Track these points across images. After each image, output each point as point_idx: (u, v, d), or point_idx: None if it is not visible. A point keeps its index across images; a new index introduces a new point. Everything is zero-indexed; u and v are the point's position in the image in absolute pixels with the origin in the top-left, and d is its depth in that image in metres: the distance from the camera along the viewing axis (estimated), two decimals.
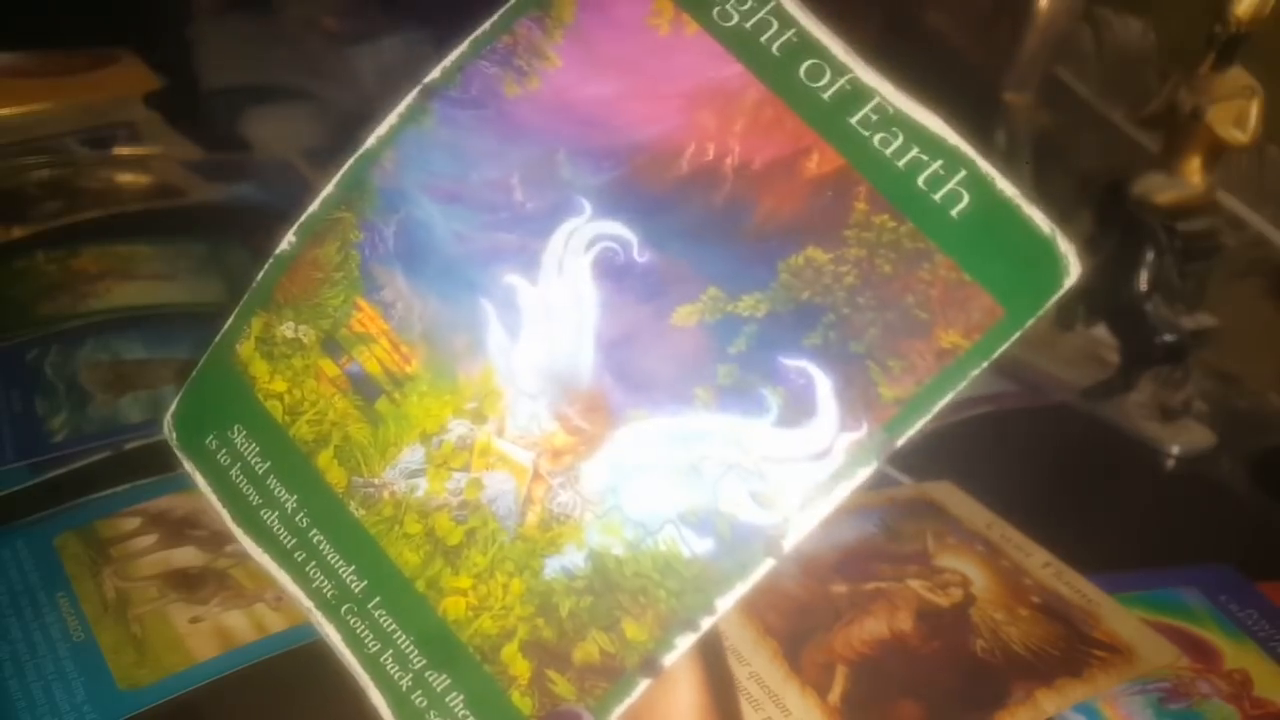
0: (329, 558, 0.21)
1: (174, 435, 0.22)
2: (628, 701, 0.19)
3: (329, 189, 0.22)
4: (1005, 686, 0.35)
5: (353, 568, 0.21)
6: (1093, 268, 0.53)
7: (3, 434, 0.45)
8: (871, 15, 0.72)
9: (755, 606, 0.36)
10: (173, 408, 0.23)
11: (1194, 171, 0.50)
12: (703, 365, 0.19)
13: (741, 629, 0.36)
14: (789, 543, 0.18)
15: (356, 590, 0.20)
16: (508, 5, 0.21)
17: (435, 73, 0.21)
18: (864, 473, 0.18)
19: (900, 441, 0.18)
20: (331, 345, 0.21)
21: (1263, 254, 0.56)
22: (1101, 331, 0.54)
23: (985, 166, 0.18)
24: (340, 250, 0.22)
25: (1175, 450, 0.51)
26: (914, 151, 0.18)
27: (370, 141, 0.22)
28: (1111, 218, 0.52)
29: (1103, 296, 0.53)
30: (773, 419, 0.18)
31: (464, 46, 0.21)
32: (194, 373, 0.23)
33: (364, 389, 0.21)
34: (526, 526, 0.20)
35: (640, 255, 0.19)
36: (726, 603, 0.18)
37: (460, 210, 0.21)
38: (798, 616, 0.36)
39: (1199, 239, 0.50)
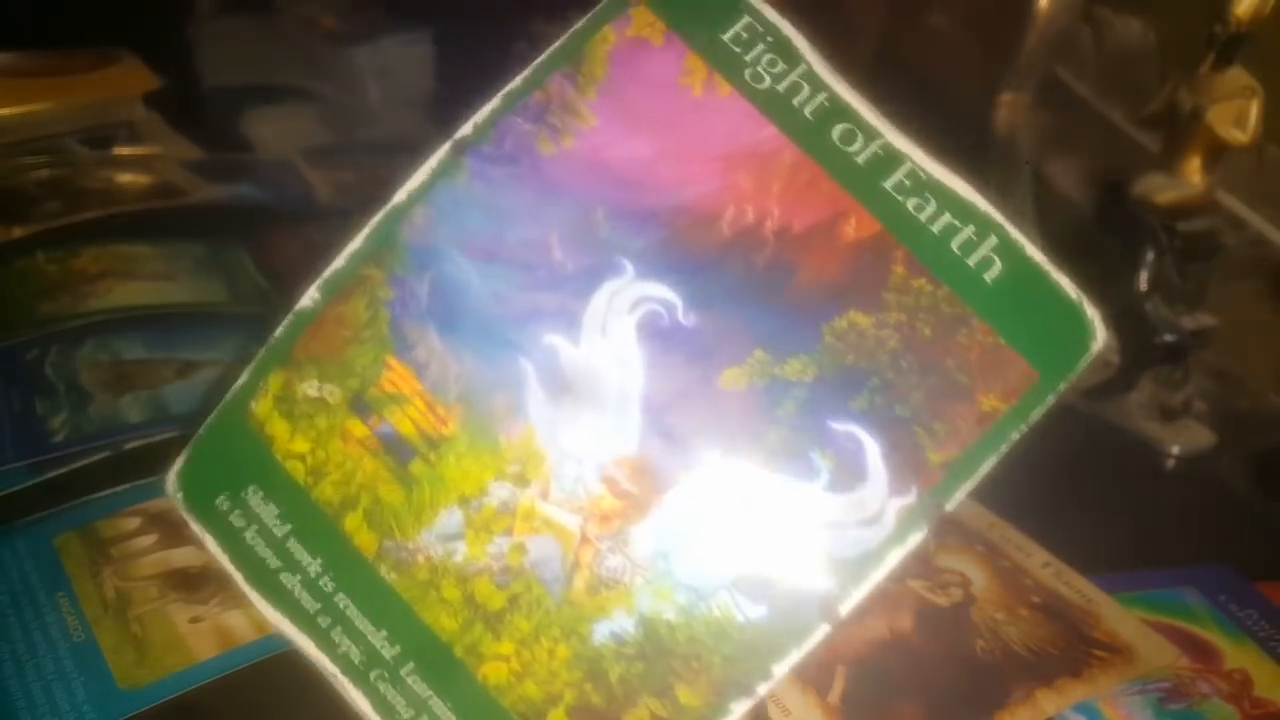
0: (357, 623, 0.20)
1: (180, 495, 0.22)
2: None
3: (356, 244, 0.21)
4: (1005, 686, 0.35)
5: (384, 633, 0.20)
6: (1093, 268, 0.54)
7: (3, 434, 0.45)
8: (872, 14, 0.72)
9: None
10: (178, 465, 0.22)
11: (1194, 171, 0.50)
12: (752, 429, 0.19)
13: None
14: (845, 609, 0.19)
15: (388, 656, 0.20)
16: (539, 60, 0.21)
17: (467, 128, 0.21)
18: (915, 538, 0.18)
19: (949, 506, 0.18)
20: (360, 405, 0.21)
21: (1263, 254, 0.56)
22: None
23: (1015, 233, 0.18)
24: (369, 308, 0.21)
25: (1175, 450, 0.51)
26: (947, 217, 0.18)
27: (400, 196, 0.21)
28: (1111, 218, 0.52)
29: (1102, 296, 0.53)
30: (823, 483, 0.18)
31: (496, 101, 0.21)
32: (202, 430, 0.22)
33: (396, 450, 0.21)
34: (574, 591, 0.19)
35: (685, 318, 0.19)
36: (782, 669, 0.19)
37: (497, 269, 0.20)
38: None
39: (1199, 239, 0.51)
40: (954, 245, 0.18)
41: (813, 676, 0.34)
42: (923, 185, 0.18)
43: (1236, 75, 0.49)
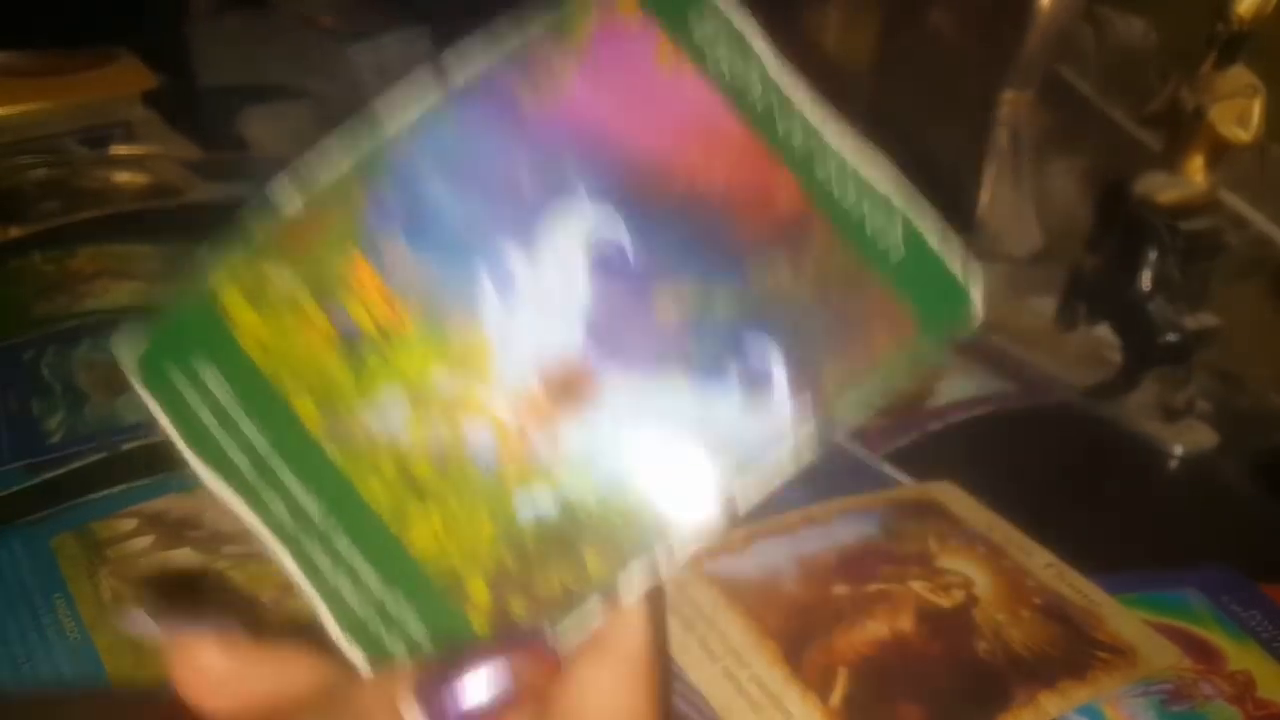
0: (292, 489, 0.22)
1: (134, 364, 0.23)
2: (584, 623, 0.21)
3: (344, 160, 0.23)
4: (1007, 688, 0.35)
5: (318, 500, 0.22)
6: (1095, 267, 0.53)
7: None
8: (873, 14, 0.72)
9: (756, 608, 0.36)
10: (134, 330, 0.23)
11: (1196, 170, 0.50)
12: (678, 346, 0.22)
13: (742, 631, 0.35)
14: (743, 508, 0.21)
15: (318, 521, 0.22)
16: (533, 28, 0.23)
17: (459, 75, 0.23)
18: (810, 454, 0.21)
19: (838, 431, 0.22)
20: (323, 297, 0.23)
21: (1265, 253, 0.56)
22: (1104, 331, 0.54)
23: (919, 222, 0.22)
24: (345, 215, 0.23)
25: (1178, 450, 0.51)
26: (865, 204, 0.22)
27: (389, 125, 0.23)
28: (1114, 217, 0.52)
29: (1105, 296, 0.53)
30: (737, 396, 0.21)
31: (489, 56, 0.23)
32: (167, 306, 0.24)
33: (352, 339, 0.23)
34: (503, 474, 0.22)
35: (631, 254, 0.22)
36: (684, 552, 0.21)
37: (468, 193, 0.23)
38: (799, 618, 0.36)
39: (1201, 238, 0.50)
40: (868, 227, 0.22)
41: (814, 679, 0.34)
42: (847, 176, 0.22)
43: (1239, 74, 0.49)
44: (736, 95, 0.22)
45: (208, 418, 0.23)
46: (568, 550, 0.21)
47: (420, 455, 0.22)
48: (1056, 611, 0.38)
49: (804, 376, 0.21)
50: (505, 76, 0.23)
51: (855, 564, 0.39)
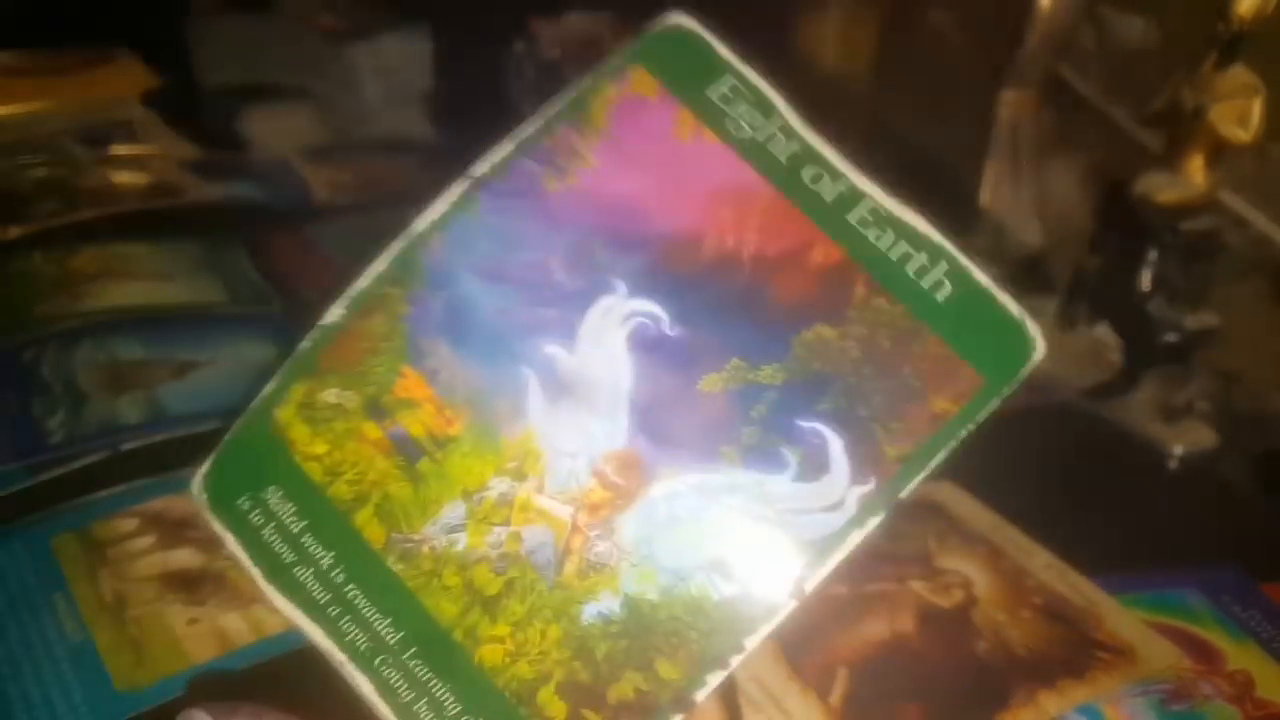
0: (364, 611, 0.22)
1: (205, 496, 0.23)
2: None
3: (380, 266, 0.24)
4: (1007, 688, 0.35)
5: (389, 620, 0.22)
6: (1095, 267, 0.53)
7: (0, 434, 0.45)
8: (872, 14, 0.72)
9: None
10: (204, 468, 0.24)
11: (1196, 170, 0.50)
12: (728, 427, 0.21)
13: None
14: (810, 586, 0.21)
15: (392, 642, 0.22)
16: (551, 113, 0.23)
17: (484, 167, 0.23)
18: (874, 521, 0.21)
19: (905, 495, 0.20)
20: (375, 410, 0.23)
21: (1266, 254, 0.56)
22: (1104, 331, 0.54)
23: (963, 259, 0.21)
24: (388, 323, 0.23)
25: (1178, 450, 0.51)
26: (903, 245, 0.21)
27: (421, 225, 0.24)
28: (1113, 217, 0.52)
29: (1105, 296, 0.53)
30: (792, 474, 0.21)
31: (510, 145, 0.24)
32: (229, 435, 0.24)
33: (407, 450, 0.22)
34: (564, 576, 0.21)
35: (670, 330, 0.22)
36: (753, 642, 0.21)
37: (504, 288, 0.23)
38: (798, 618, 0.36)
39: (1201, 238, 0.50)
40: (909, 270, 0.21)
41: (814, 678, 0.34)
42: (882, 219, 0.21)
43: (1239, 74, 0.49)
44: (759, 154, 0.22)
45: (280, 546, 0.23)
46: (638, 652, 0.21)
47: (482, 563, 0.22)
48: (1056, 611, 0.38)
49: (862, 450, 0.20)
50: (528, 164, 0.23)
51: (855, 564, 0.39)
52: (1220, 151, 0.50)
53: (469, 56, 0.70)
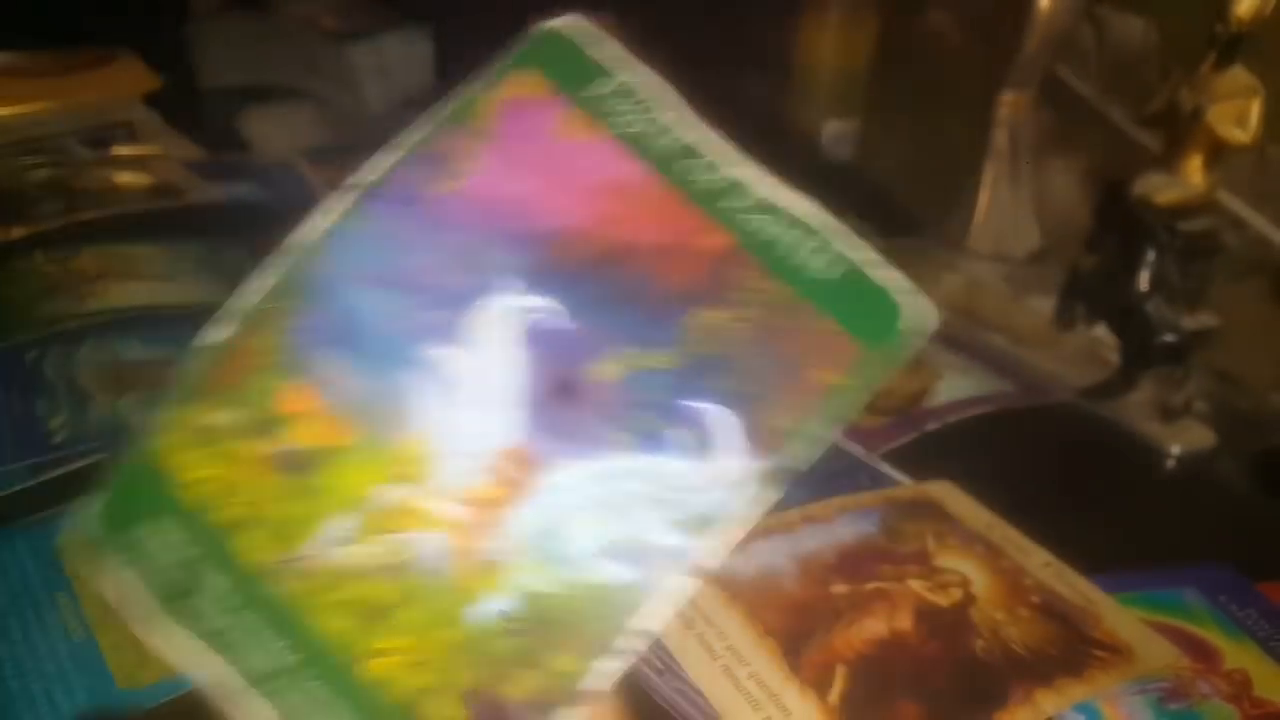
0: (261, 634, 0.21)
1: (97, 531, 0.23)
2: None
3: (264, 282, 0.23)
4: (1005, 686, 0.35)
5: (285, 643, 0.21)
6: (1093, 267, 0.54)
7: (3, 435, 0.45)
8: (871, 14, 0.72)
9: (755, 607, 0.37)
10: (95, 508, 0.23)
11: (1195, 171, 0.50)
12: (621, 414, 0.21)
13: (741, 629, 0.36)
14: (709, 564, 0.20)
15: (290, 664, 0.21)
16: (438, 117, 0.23)
17: (369, 175, 0.23)
18: (770, 496, 0.21)
19: (801, 467, 0.21)
20: (262, 427, 0.22)
21: (1263, 254, 0.56)
22: (1102, 331, 0.54)
23: (843, 242, 0.21)
24: (273, 337, 0.23)
25: (1175, 450, 0.51)
26: (786, 230, 0.22)
27: (304, 238, 0.23)
28: (1112, 217, 0.52)
29: (1103, 296, 0.53)
30: (686, 455, 0.21)
31: (397, 152, 0.23)
32: (115, 470, 0.23)
33: (295, 466, 0.22)
34: (458, 578, 0.21)
35: (563, 323, 0.22)
36: (658, 624, 0.20)
37: (394, 294, 0.22)
38: (797, 617, 0.36)
39: (1199, 239, 0.50)
40: (794, 252, 0.21)
41: (812, 677, 0.34)
42: (765, 206, 0.22)
43: (1237, 75, 0.49)
44: (646, 148, 0.22)
45: (175, 574, 0.22)
46: (539, 648, 0.20)
47: (373, 575, 0.21)
48: (1054, 610, 0.38)
49: (751, 423, 0.21)
50: (415, 170, 0.23)
51: (854, 563, 0.39)
52: (1218, 152, 0.50)
53: (469, 56, 0.69)
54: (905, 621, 0.37)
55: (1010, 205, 0.63)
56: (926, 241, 0.65)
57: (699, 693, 0.34)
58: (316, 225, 0.23)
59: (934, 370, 0.55)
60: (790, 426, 0.21)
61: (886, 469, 0.45)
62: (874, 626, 0.37)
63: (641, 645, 0.20)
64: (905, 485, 0.44)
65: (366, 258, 0.23)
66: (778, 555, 0.39)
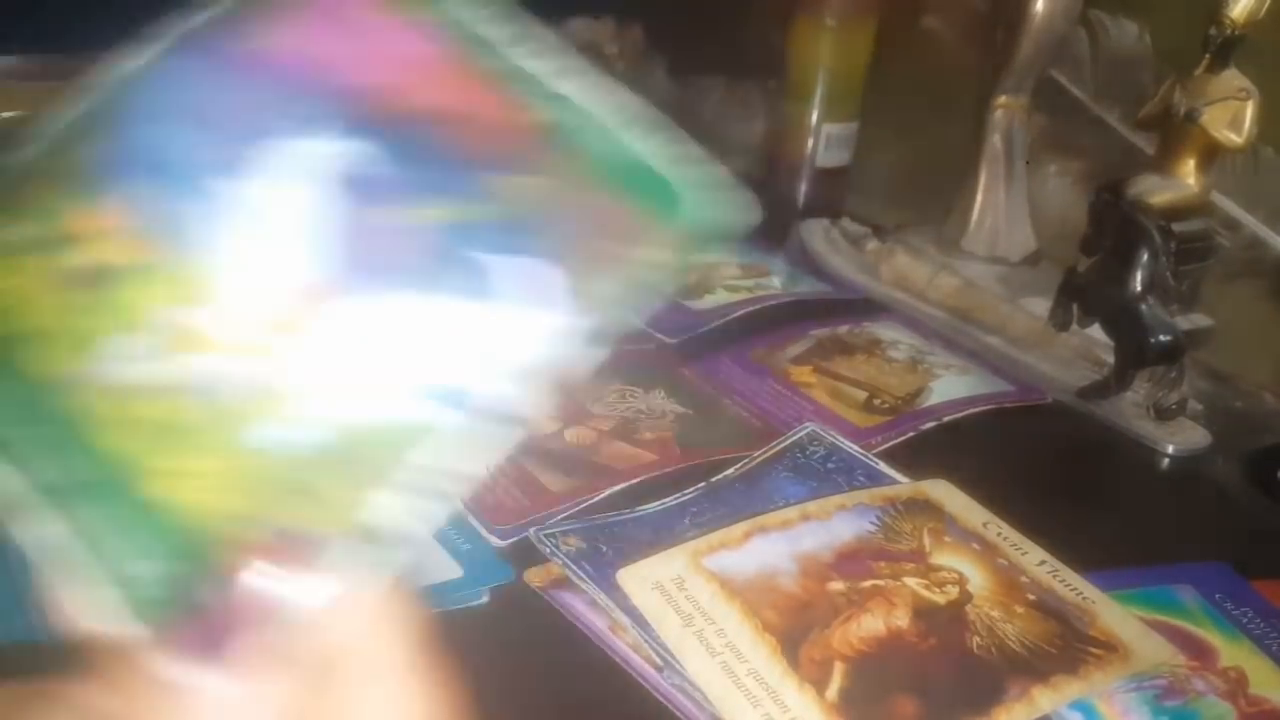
0: (49, 447, 0.21)
1: None
2: (333, 561, 0.20)
3: (74, 112, 0.23)
4: (1001, 683, 0.35)
5: (73, 457, 0.21)
6: (1088, 268, 0.54)
7: None
8: (868, 18, 0.72)
9: (753, 604, 0.37)
10: None
11: (1189, 173, 0.51)
12: (431, 261, 0.21)
13: (740, 626, 0.36)
14: (529, 412, 0.21)
15: (78, 479, 0.21)
16: None
17: (191, 23, 0.24)
18: (581, 355, 0.21)
19: (609, 330, 0.21)
20: (54, 243, 0.22)
21: (1257, 255, 0.57)
22: (1097, 332, 0.55)
23: (640, 138, 0.22)
24: (76, 160, 0.23)
25: (1170, 449, 0.52)
26: (591, 121, 0.23)
27: (116, 76, 0.23)
28: (1107, 219, 0.52)
29: (1098, 297, 0.53)
30: (496, 305, 0.21)
31: (225, 4, 0.24)
32: None
33: (86, 282, 0.22)
34: (248, 404, 0.21)
35: (375, 170, 0.22)
36: (476, 468, 0.20)
37: (202, 130, 0.22)
38: (795, 614, 0.37)
39: (1194, 240, 0.51)
40: (596, 139, 0.23)
41: (811, 673, 0.35)
42: (579, 93, 0.23)
43: (1231, 78, 0.49)
44: (467, 33, 0.23)
45: None
46: (315, 479, 0.20)
47: (161, 394, 0.21)
48: (1050, 608, 0.38)
49: (560, 282, 0.21)
50: (239, 21, 0.23)
51: (851, 560, 0.39)
52: (1213, 154, 0.50)
53: None
54: (903, 619, 0.37)
55: (1006, 208, 0.64)
56: (923, 243, 0.66)
57: (698, 688, 0.34)
58: (129, 63, 0.23)
59: (931, 370, 0.55)
60: (601, 291, 0.21)
61: (884, 468, 0.46)
62: (872, 624, 0.37)
63: (432, 483, 0.20)
64: (902, 484, 0.45)
65: (178, 96, 0.23)
66: (776, 553, 0.39)
